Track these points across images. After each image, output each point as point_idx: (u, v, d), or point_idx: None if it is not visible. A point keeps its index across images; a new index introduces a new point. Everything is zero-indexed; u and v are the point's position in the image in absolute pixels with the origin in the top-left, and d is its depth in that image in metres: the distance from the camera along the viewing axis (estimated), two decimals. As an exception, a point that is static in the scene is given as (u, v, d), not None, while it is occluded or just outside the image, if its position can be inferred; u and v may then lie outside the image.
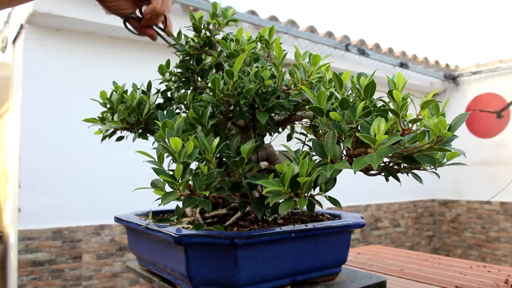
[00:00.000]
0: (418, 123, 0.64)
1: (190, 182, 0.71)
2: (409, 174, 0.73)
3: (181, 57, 1.04)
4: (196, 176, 0.71)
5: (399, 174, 0.72)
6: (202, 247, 0.74)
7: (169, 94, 1.09)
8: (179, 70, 1.05)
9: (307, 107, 0.69)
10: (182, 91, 1.08)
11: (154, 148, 0.83)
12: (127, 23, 0.80)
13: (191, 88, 1.07)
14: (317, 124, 0.78)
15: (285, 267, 0.78)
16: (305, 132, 0.91)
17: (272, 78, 0.83)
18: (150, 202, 0.99)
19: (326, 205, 3.86)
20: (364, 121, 0.64)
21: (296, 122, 0.95)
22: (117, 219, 1.00)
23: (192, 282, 0.75)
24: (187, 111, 1.07)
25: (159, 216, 1.03)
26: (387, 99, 0.66)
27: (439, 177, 0.74)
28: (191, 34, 1.06)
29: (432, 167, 0.68)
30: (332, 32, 4.53)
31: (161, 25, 0.85)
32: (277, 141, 1.02)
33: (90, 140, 2.65)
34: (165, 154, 0.72)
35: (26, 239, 2.99)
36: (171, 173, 0.70)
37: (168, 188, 0.71)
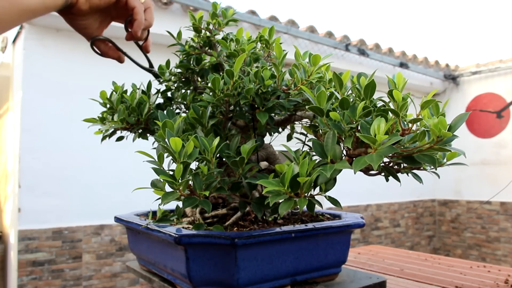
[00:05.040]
0: (418, 123, 0.64)
1: (190, 182, 0.71)
2: (409, 174, 0.73)
3: (181, 57, 1.04)
4: (196, 176, 0.71)
5: (399, 174, 0.72)
6: (202, 247, 0.74)
7: (169, 94, 1.10)
8: (179, 70, 1.05)
9: (307, 107, 0.69)
10: (182, 91, 1.08)
11: (154, 148, 0.83)
12: (93, 46, 0.74)
13: (191, 88, 1.07)
14: (317, 124, 0.78)
15: (285, 267, 0.78)
16: (305, 132, 0.91)
17: (272, 78, 0.83)
18: (150, 202, 0.99)
19: (326, 205, 3.86)
20: (364, 121, 0.64)
21: (296, 122, 0.95)
22: (117, 219, 1.00)
23: (192, 282, 0.75)
24: (187, 111, 1.08)
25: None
26: (387, 99, 0.66)
27: (439, 177, 0.74)
28: (191, 34, 1.06)
29: (432, 167, 0.68)
30: (332, 32, 4.53)
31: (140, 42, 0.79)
32: (277, 141, 1.02)
33: (90, 140, 2.65)
34: (165, 154, 0.72)
35: (26, 239, 2.99)
36: (171, 173, 0.70)
37: (168, 188, 0.71)
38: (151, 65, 0.91)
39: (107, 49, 0.77)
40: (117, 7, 0.69)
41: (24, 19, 0.56)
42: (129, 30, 0.72)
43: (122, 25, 0.73)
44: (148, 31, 0.78)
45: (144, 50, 0.81)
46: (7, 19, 0.53)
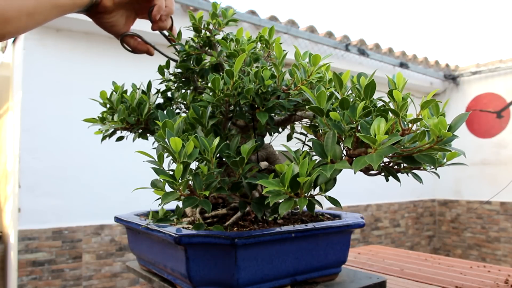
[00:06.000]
0: (418, 123, 0.64)
1: (190, 182, 0.71)
2: (409, 174, 0.73)
3: (182, 57, 1.04)
4: (196, 176, 0.71)
5: (399, 174, 0.72)
6: (202, 247, 0.74)
7: (169, 94, 1.10)
8: (179, 70, 1.05)
9: (307, 107, 0.69)
10: (182, 91, 1.08)
11: (154, 148, 0.83)
12: (123, 43, 0.79)
13: (191, 88, 1.07)
14: (317, 124, 0.78)
15: (285, 267, 0.78)
16: (305, 132, 0.91)
17: (272, 78, 0.83)
18: (150, 202, 0.99)
19: (326, 205, 3.86)
20: (364, 121, 0.64)
21: (296, 122, 0.95)
22: (117, 219, 1.00)
23: (192, 282, 0.75)
24: (187, 111, 1.08)
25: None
26: (387, 99, 0.66)
27: (439, 177, 0.74)
28: (191, 34, 1.06)
29: (432, 167, 0.68)
30: (332, 32, 4.53)
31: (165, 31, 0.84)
32: (277, 141, 1.02)
33: (90, 140, 2.65)
34: (165, 154, 0.72)
35: (26, 239, 2.99)
36: (171, 173, 0.70)
37: (168, 188, 0.71)
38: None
39: (136, 44, 0.81)
40: (139, 1, 0.74)
41: (55, 14, 0.60)
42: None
43: (147, 22, 0.77)
44: (172, 20, 0.81)
45: (171, 40, 0.84)
46: (40, 12, 0.56)
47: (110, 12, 0.71)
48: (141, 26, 0.88)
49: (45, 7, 0.57)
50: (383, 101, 0.68)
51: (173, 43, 0.86)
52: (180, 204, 0.87)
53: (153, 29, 0.77)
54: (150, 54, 0.83)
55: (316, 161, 0.66)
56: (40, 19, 0.58)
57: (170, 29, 0.83)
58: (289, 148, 0.72)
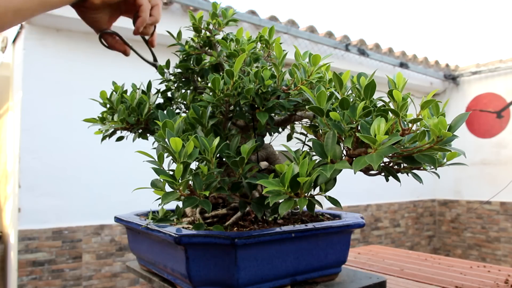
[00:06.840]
0: (418, 123, 0.64)
1: (190, 182, 0.71)
2: (409, 174, 0.73)
3: (181, 57, 1.04)
4: (196, 176, 0.71)
5: (399, 174, 0.72)
6: (202, 247, 0.74)
7: (169, 94, 1.10)
8: (179, 70, 1.05)
9: (307, 107, 0.69)
10: (182, 91, 1.08)
11: (154, 148, 0.83)
12: (102, 39, 0.79)
13: (191, 88, 1.07)
14: (317, 124, 0.78)
15: (285, 267, 0.78)
16: (305, 132, 0.91)
17: (272, 78, 0.83)
18: (150, 202, 0.99)
19: (326, 205, 3.86)
20: (364, 121, 0.64)
21: (296, 122, 0.95)
22: (117, 219, 1.00)
23: (192, 282, 0.75)
24: (187, 111, 1.08)
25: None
26: (387, 99, 0.66)
27: (439, 177, 0.74)
28: (191, 34, 1.06)
29: (432, 167, 0.68)
30: (332, 32, 4.53)
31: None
32: (277, 141, 1.02)
33: (90, 140, 2.65)
34: (165, 154, 0.72)
35: (26, 239, 2.99)
36: (171, 173, 0.70)
37: (168, 188, 0.71)
38: (155, 59, 0.95)
39: (114, 42, 0.81)
40: (127, 2, 0.74)
41: (42, 10, 0.59)
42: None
43: (130, 20, 0.77)
44: (155, 26, 0.82)
45: (150, 44, 0.86)
46: (27, 8, 0.56)
47: (96, 9, 0.70)
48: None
49: (32, 3, 0.56)
50: (383, 101, 0.68)
51: (152, 47, 0.87)
52: (180, 204, 0.87)
53: (134, 33, 0.78)
54: (126, 54, 0.83)
55: (316, 161, 0.66)
56: (27, 15, 0.57)
57: (152, 35, 0.83)
58: (289, 148, 0.72)
